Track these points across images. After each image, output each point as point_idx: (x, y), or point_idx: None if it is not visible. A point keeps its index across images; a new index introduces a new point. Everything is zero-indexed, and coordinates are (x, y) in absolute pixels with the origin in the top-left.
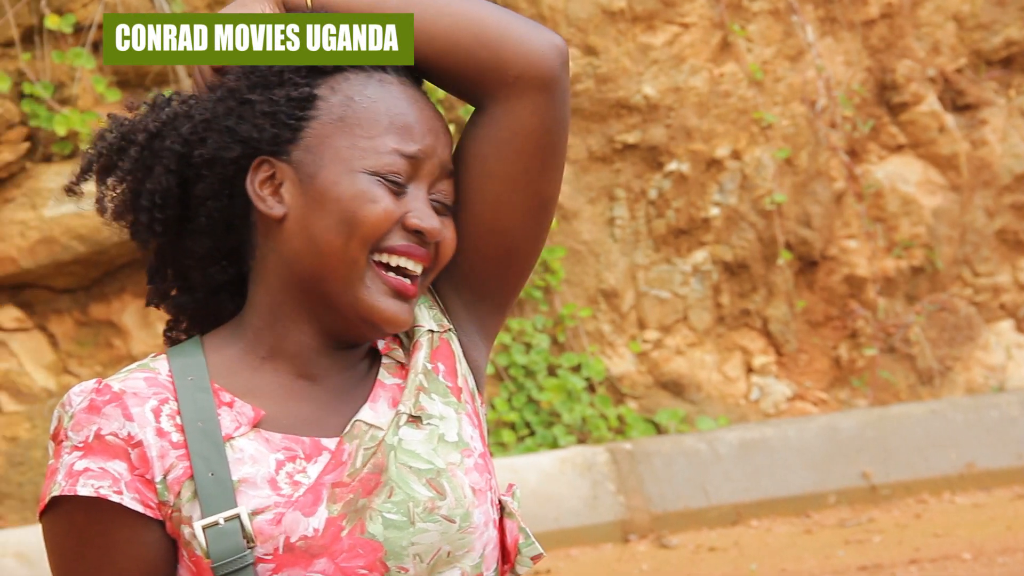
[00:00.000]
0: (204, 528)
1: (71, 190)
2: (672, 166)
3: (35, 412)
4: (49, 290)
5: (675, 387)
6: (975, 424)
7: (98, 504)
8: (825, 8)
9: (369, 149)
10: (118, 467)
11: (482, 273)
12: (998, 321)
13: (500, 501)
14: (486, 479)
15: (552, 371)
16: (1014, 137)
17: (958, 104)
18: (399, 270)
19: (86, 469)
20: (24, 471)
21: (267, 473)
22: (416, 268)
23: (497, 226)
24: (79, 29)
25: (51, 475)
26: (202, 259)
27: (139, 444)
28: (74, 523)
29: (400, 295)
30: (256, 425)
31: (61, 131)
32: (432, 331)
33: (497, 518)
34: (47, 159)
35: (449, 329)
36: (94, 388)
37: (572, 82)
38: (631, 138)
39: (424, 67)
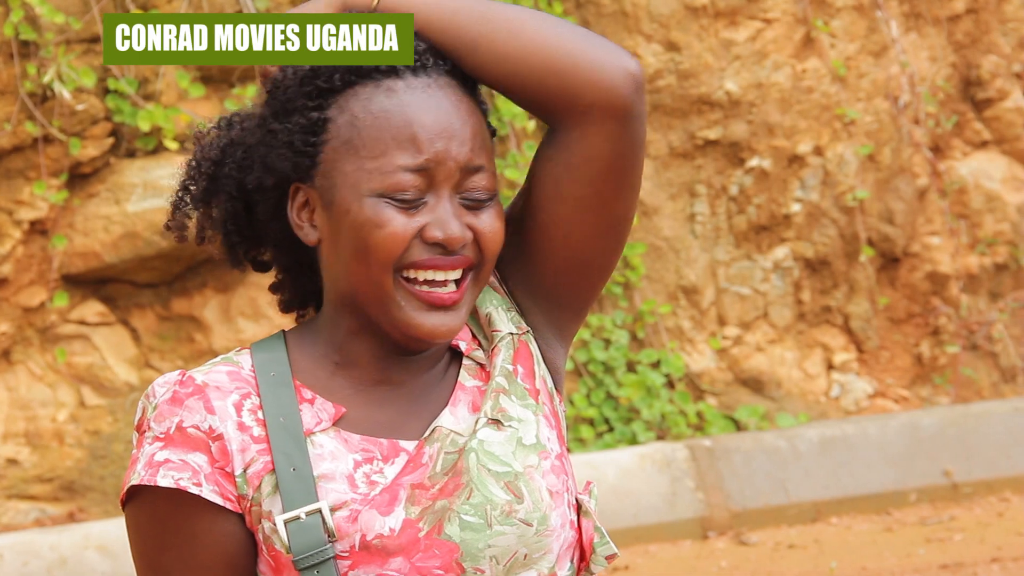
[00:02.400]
0: (286, 522)
1: (170, 227)
2: (754, 162)
3: (117, 406)
4: (131, 284)
5: (755, 384)
6: None
7: (178, 495)
8: (910, 3)
9: (374, 170)
10: (198, 459)
11: (556, 284)
12: None
13: (577, 500)
14: (563, 480)
15: (631, 367)
16: None
17: None
18: (432, 282)
19: (167, 460)
20: (106, 464)
21: (345, 470)
22: (449, 276)
23: (570, 243)
24: None
25: (133, 464)
26: (288, 270)
27: (220, 437)
28: (155, 513)
29: (438, 306)
30: (336, 423)
31: (145, 127)
32: (512, 333)
33: (575, 518)
34: (131, 154)
35: (527, 331)
36: (177, 380)
37: (653, 78)
38: (712, 134)
39: (495, 87)
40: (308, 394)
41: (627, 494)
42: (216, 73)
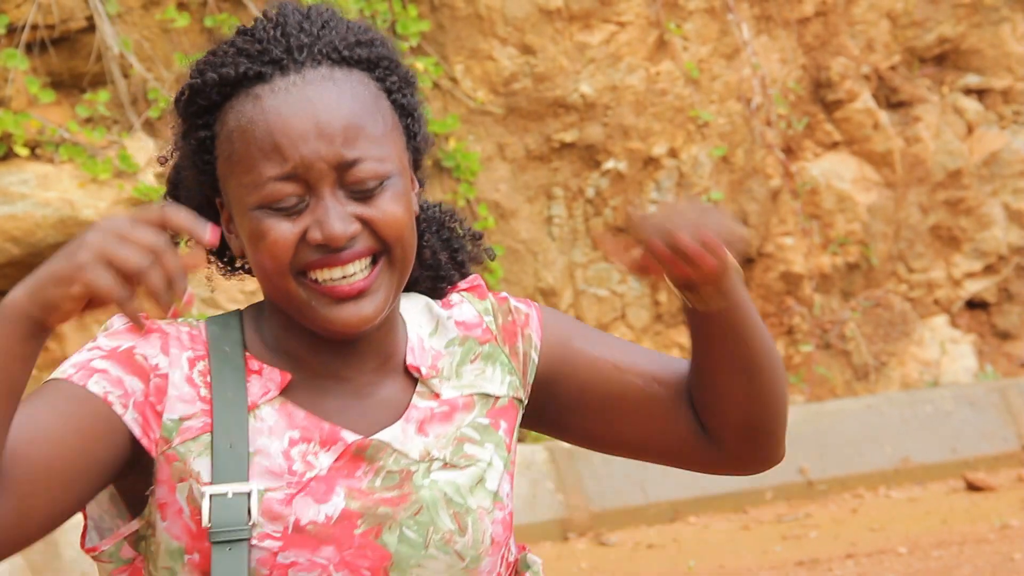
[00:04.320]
0: (212, 496)
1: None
2: (609, 164)
3: None
4: None
5: None
6: (910, 419)
7: (98, 404)
8: (760, 6)
9: (250, 184)
10: (135, 385)
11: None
12: (932, 317)
13: (524, 558)
14: (506, 537)
15: None
16: (947, 134)
17: (892, 101)
18: (333, 278)
19: (104, 371)
20: None
21: (281, 447)
22: (347, 271)
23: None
24: (12, 30)
25: (63, 364)
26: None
27: (163, 377)
28: (65, 398)
29: (348, 297)
30: (284, 392)
31: None
32: (496, 396)
33: (505, 572)
34: None
35: (520, 400)
36: (142, 315)
37: (509, 81)
38: (568, 137)
39: (711, 395)
40: (256, 365)
41: None
42: (67, 79)
